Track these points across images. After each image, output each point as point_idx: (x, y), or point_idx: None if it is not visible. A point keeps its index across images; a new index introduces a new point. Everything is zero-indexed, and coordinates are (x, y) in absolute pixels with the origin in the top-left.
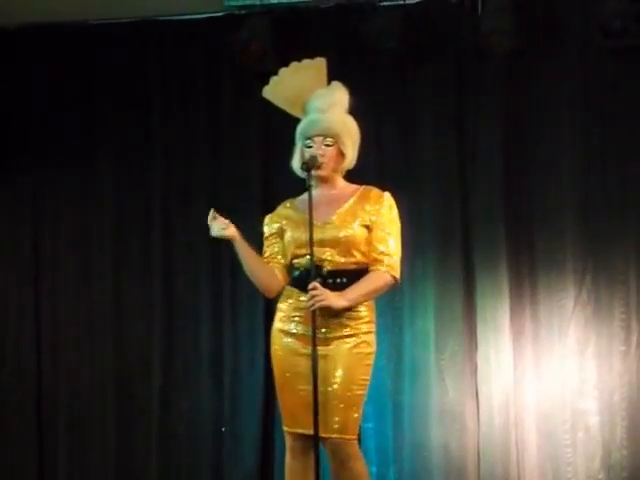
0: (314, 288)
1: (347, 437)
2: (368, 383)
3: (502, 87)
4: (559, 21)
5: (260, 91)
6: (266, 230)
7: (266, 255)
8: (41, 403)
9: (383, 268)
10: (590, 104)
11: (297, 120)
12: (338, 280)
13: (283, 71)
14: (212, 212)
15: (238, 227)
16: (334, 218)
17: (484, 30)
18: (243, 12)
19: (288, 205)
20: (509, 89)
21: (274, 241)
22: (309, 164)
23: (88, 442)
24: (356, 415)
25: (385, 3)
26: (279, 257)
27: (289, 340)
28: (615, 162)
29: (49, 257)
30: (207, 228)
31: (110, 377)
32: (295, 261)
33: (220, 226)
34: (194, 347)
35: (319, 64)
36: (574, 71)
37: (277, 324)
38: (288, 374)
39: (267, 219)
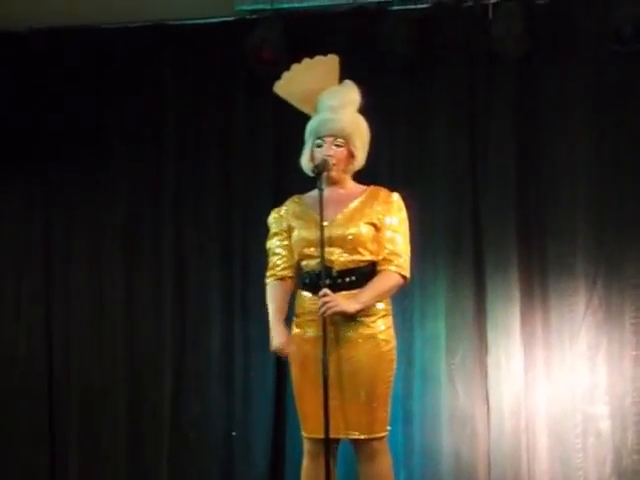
0: (324, 295)
1: (377, 435)
2: (393, 379)
3: (513, 90)
4: (570, 25)
5: (272, 95)
6: (273, 227)
7: (281, 261)
8: (52, 405)
9: (393, 268)
10: (602, 108)
11: (308, 121)
12: (347, 279)
13: (295, 67)
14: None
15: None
16: (340, 217)
17: (495, 34)
18: (254, 16)
19: (296, 200)
20: (520, 92)
21: (284, 243)
22: (320, 167)
23: (99, 445)
24: (385, 413)
25: (397, 7)
26: (288, 258)
27: (305, 344)
28: (628, 166)
29: (61, 258)
30: (219, 231)
31: (121, 380)
32: (304, 263)
33: (289, 345)
34: (205, 350)
35: (331, 61)
36: (586, 75)
37: (295, 329)
38: (308, 380)
39: (275, 214)
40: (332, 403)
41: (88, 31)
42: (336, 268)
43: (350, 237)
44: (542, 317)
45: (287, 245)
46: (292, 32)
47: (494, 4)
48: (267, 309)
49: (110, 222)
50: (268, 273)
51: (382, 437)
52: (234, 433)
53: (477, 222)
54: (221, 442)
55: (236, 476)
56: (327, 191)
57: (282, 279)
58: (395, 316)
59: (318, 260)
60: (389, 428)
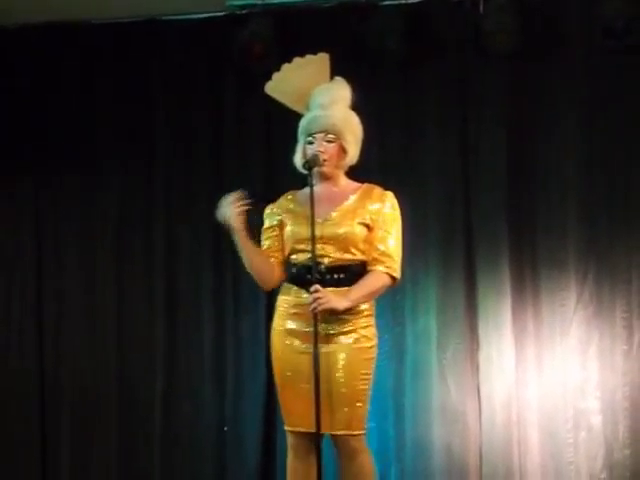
0: (316, 290)
1: (354, 432)
2: (371, 377)
3: (504, 86)
4: (561, 20)
5: (262, 90)
6: (266, 222)
7: (265, 248)
8: (44, 404)
9: (383, 268)
10: (593, 104)
11: (299, 117)
12: (336, 276)
13: (286, 67)
14: (237, 195)
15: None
16: (334, 215)
17: (486, 29)
18: (244, 12)
19: (290, 197)
20: (511, 88)
21: (274, 234)
22: (311, 163)
23: (91, 444)
24: (362, 410)
25: (386, 2)
26: (278, 252)
27: (289, 339)
28: (618, 162)
29: (52, 258)
30: (211, 230)
31: (113, 378)
32: (293, 257)
33: (232, 214)
34: (196, 348)
35: (322, 59)
36: (577, 71)
37: (276, 322)
38: (289, 373)
39: (268, 210)
40: (311, 396)
41: (77, 27)
42: (325, 264)
43: (343, 236)
44: (533, 312)
45: (276, 237)
46: (282, 27)
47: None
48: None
49: (101, 221)
50: None
51: (359, 435)
52: (226, 428)
53: (468, 217)
54: (213, 439)
55: (228, 472)
56: (320, 187)
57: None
58: (386, 311)
59: (308, 255)
60: (367, 427)
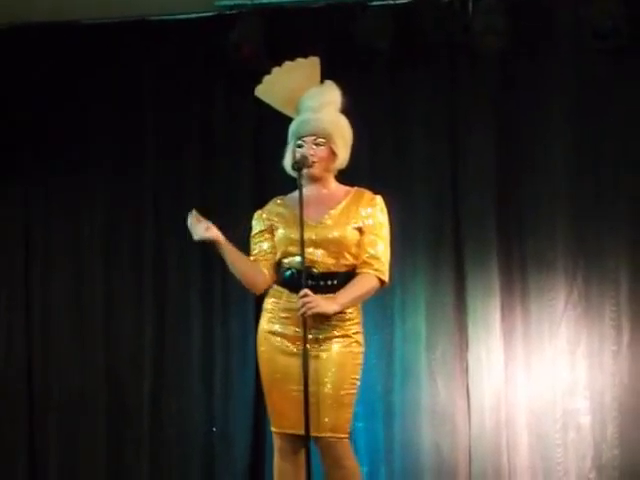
0: (305, 295)
1: (339, 436)
2: (359, 382)
3: (493, 86)
4: (550, 21)
5: (252, 91)
6: (255, 226)
7: (254, 252)
8: (32, 404)
9: (372, 271)
10: (582, 104)
11: (290, 120)
12: (329, 282)
13: (276, 70)
14: (193, 214)
15: (224, 228)
16: (327, 218)
17: (475, 30)
18: (234, 12)
19: (279, 202)
20: (501, 88)
21: (263, 238)
22: (300, 164)
23: (79, 443)
24: (347, 414)
25: (376, 3)
26: (268, 255)
27: (278, 340)
28: (606, 162)
29: (40, 257)
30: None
31: (101, 378)
32: (285, 260)
33: (202, 228)
34: (185, 348)
35: (312, 63)
36: (566, 71)
37: (264, 325)
38: (278, 375)
39: (257, 215)
40: (299, 398)
41: (67, 27)
42: (319, 270)
43: (335, 240)
44: (522, 312)
45: (266, 241)
46: (272, 28)
47: (474, 0)
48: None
49: (89, 223)
50: None
51: (344, 438)
52: (214, 429)
53: (457, 218)
54: (201, 439)
55: (217, 472)
56: (310, 190)
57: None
58: (375, 311)
59: (299, 259)
60: (350, 431)
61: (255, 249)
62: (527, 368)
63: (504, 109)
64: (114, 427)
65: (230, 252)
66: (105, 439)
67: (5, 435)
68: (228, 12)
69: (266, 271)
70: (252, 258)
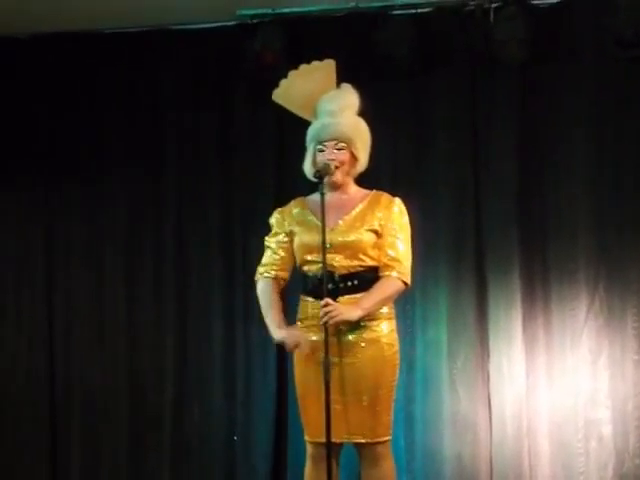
0: (327, 304)
1: (381, 439)
2: (396, 383)
3: (515, 95)
4: (571, 30)
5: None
6: (276, 226)
7: (270, 255)
8: (55, 413)
9: (394, 274)
10: (603, 113)
11: (309, 125)
12: (349, 283)
13: (293, 74)
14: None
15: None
16: (341, 223)
17: (496, 38)
18: (255, 21)
19: (299, 204)
20: (522, 97)
21: (280, 243)
22: (322, 172)
23: (101, 451)
24: (388, 416)
25: (397, 12)
26: (285, 259)
27: (310, 351)
28: (628, 171)
29: (62, 269)
30: (221, 237)
31: (123, 387)
32: (305, 268)
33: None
34: (207, 356)
35: (328, 66)
36: (587, 80)
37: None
38: (312, 384)
39: (278, 214)
40: (335, 407)
41: (88, 36)
42: (338, 272)
43: (351, 244)
44: (544, 321)
45: (286, 247)
46: (293, 37)
47: (495, 8)
48: (260, 306)
49: (111, 230)
50: (261, 269)
51: (385, 441)
52: (235, 438)
53: (479, 226)
54: (223, 447)
55: (238, 479)
56: (330, 196)
57: (275, 278)
58: (397, 320)
59: (320, 265)
60: (391, 432)
61: (271, 253)
62: (549, 378)
63: (525, 117)
64: (136, 434)
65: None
66: (127, 445)
67: (27, 438)
68: (250, 21)
69: (283, 275)
70: (268, 261)
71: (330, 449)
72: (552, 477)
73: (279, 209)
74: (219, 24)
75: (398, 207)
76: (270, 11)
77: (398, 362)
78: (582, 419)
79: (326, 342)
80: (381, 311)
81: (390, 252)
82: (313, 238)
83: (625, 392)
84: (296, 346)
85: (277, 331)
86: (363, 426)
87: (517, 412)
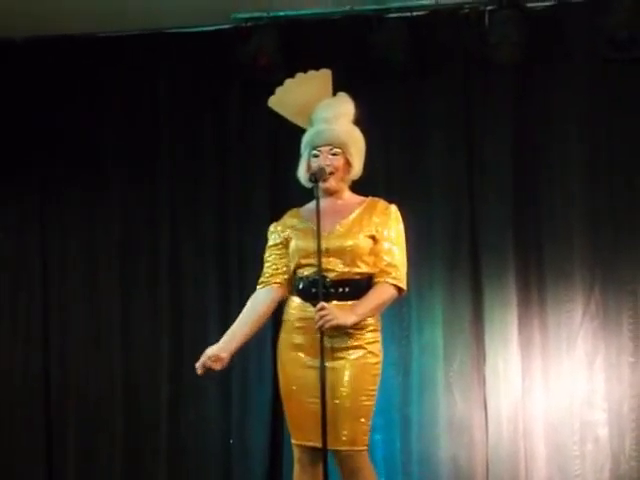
0: (322, 308)
1: (357, 448)
2: (376, 393)
3: (510, 98)
4: (565, 32)
5: (267, 103)
6: (271, 239)
7: (269, 266)
8: (51, 415)
9: (390, 280)
10: (597, 115)
11: (304, 131)
12: (340, 290)
13: (289, 82)
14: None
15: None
16: (339, 228)
17: (491, 41)
18: (250, 24)
19: (294, 214)
20: (517, 100)
21: (278, 252)
22: (317, 176)
23: (96, 454)
24: (365, 426)
25: (392, 15)
26: (283, 269)
27: (295, 352)
28: (623, 173)
29: (57, 272)
30: (216, 242)
31: (118, 390)
32: (299, 270)
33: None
34: None
35: (324, 75)
36: (582, 82)
37: (283, 335)
38: (295, 387)
39: (272, 228)
40: (316, 411)
41: (83, 40)
42: (330, 277)
43: (348, 249)
44: (539, 324)
45: (280, 255)
46: (288, 40)
47: (490, 11)
48: None
49: (106, 235)
50: (258, 282)
51: (362, 450)
52: (231, 441)
53: (474, 230)
54: (219, 450)
55: None
56: (325, 202)
57: (268, 285)
58: (392, 323)
59: (314, 269)
60: (369, 443)
61: (270, 265)
62: (544, 380)
63: (520, 120)
64: (131, 438)
65: (241, 342)
66: (122, 450)
67: (23, 441)
68: (244, 25)
69: (277, 279)
70: (266, 271)
71: (326, 454)
72: (548, 479)
73: (274, 223)
74: (214, 27)
75: (394, 213)
76: (265, 14)
77: (379, 373)
78: (578, 421)
79: (322, 348)
80: (367, 322)
81: (386, 258)
82: (309, 243)
83: (621, 394)
84: (204, 367)
85: (215, 346)
86: (342, 434)
87: (513, 414)
